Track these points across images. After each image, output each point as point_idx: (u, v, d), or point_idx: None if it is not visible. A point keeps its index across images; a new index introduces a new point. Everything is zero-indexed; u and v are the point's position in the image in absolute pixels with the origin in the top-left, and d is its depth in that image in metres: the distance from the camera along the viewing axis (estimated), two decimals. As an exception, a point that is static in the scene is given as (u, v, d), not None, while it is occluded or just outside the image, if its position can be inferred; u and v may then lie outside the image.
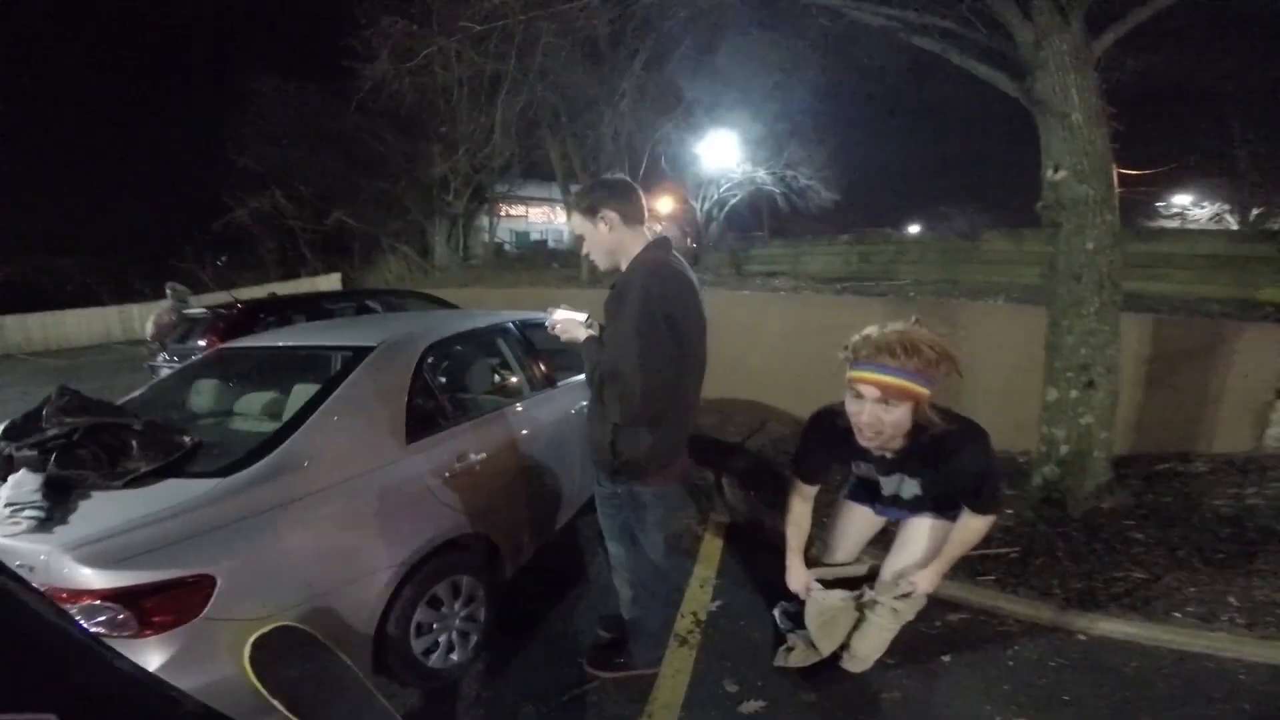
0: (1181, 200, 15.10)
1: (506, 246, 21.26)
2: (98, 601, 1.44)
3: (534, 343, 3.08)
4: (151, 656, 1.46)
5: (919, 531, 1.91)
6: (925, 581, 1.87)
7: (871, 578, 2.02)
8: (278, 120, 17.02)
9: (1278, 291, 5.27)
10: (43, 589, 1.39)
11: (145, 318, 6.56)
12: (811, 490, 2.00)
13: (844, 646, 2.05)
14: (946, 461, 1.65)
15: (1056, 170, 2.92)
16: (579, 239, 1.87)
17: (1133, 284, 4.18)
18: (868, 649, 2.03)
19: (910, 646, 2.19)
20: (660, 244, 1.81)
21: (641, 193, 1.84)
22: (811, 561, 2.13)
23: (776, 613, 2.32)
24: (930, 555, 1.88)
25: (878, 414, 1.57)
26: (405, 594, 1.95)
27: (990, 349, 4.20)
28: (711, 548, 3.21)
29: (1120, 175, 2.99)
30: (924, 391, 1.55)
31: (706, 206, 15.03)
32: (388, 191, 17.15)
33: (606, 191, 1.78)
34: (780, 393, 5.27)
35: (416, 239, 18.35)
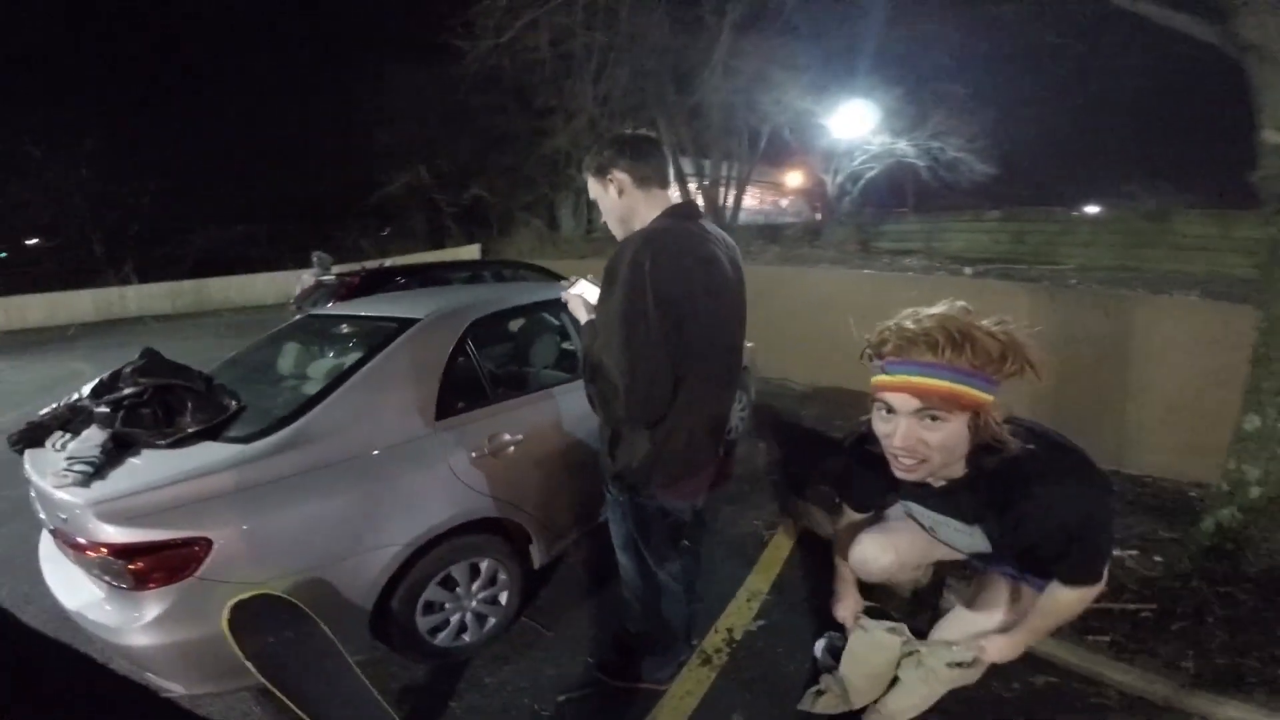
0: None
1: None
2: (104, 554, 1.51)
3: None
4: (147, 610, 1.54)
5: (997, 593, 1.47)
6: (996, 651, 1.42)
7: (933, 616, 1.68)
8: (415, 100, 18.23)
9: None
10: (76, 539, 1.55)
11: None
12: (863, 516, 1.68)
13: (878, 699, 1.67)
14: (1019, 503, 1.13)
15: None
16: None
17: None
18: (900, 708, 1.60)
19: (971, 708, 1.76)
20: (678, 210, 1.52)
21: (664, 151, 1.57)
22: (869, 592, 1.79)
23: (819, 646, 1.98)
24: (1009, 621, 1.44)
25: (917, 434, 1.11)
26: (414, 572, 1.94)
27: (1172, 353, 3.40)
28: (774, 556, 2.90)
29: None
30: (984, 398, 1.07)
31: (838, 180, 13.94)
32: (515, 166, 17.85)
33: (616, 149, 1.51)
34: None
35: (545, 211, 19.02)
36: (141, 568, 1.52)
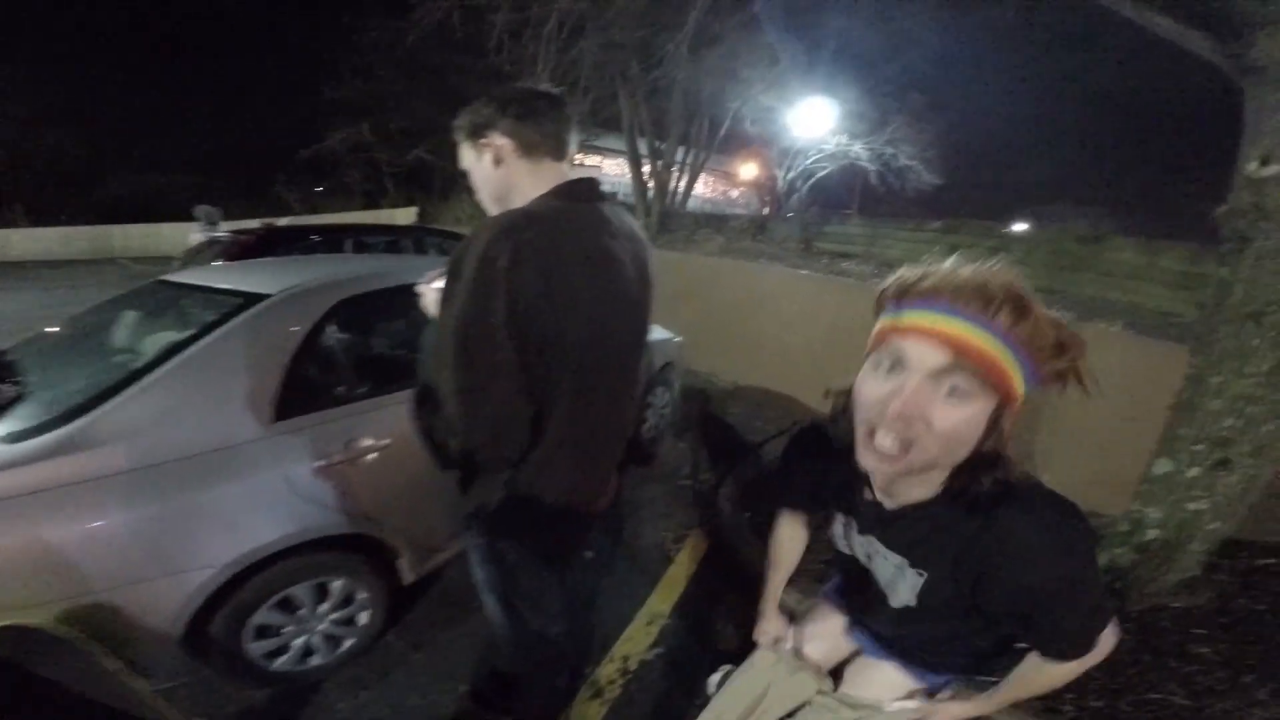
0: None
1: (578, 197, 20.62)
2: None
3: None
4: None
5: (873, 677, 1.20)
6: (947, 716, 1.10)
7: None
8: (376, 55, 17.20)
9: None
10: None
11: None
12: (799, 519, 1.36)
13: None
14: (993, 551, 0.81)
15: (1266, 162, 2.04)
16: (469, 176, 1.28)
17: None
18: None
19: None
20: (571, 189, 1.18)
21: (566, 114, 1.21)
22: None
23: (713, 681, 1.69)
24: None
25: (926, 403, 0.73)
26: (240, 595, 1.66)
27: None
28: (679, 574, 2.70)
29: None
30: (1020, 389, 0.74)
31: (790, 176, 13.94)
32: (468, 131, 17.11)
33: (497, 107, 1.16)
34: (820, 391, 4.51)
35: (491, 181, 18.35)
36: None
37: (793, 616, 1.43)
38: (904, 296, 0.77)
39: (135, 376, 1.60)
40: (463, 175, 1.28)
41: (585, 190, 1.21)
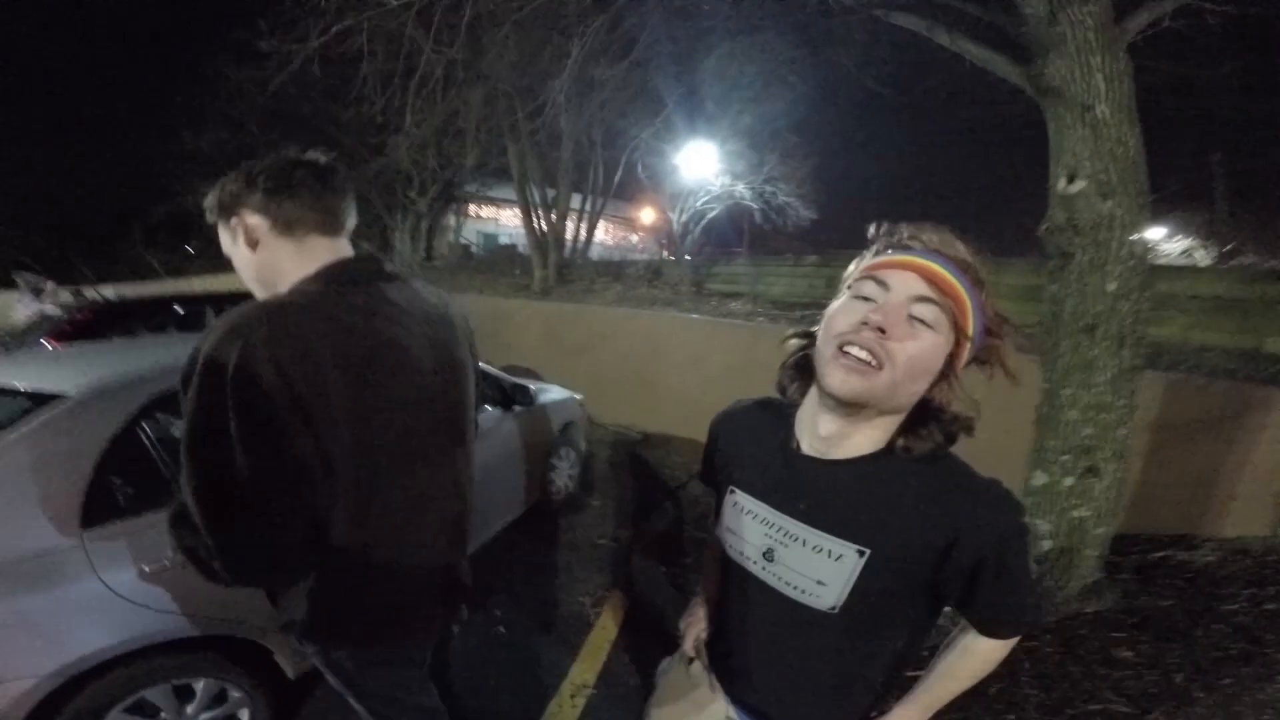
0: (1155, 233, 14.74)
1: (473, 248, 20.32)
2: None
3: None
4: None
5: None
6: None
7: None
8: (242, 103, 16.25)
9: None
10: None
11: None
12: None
13: None
14: (967, 503, 0.78)
15: (1072, 179, 2.18)
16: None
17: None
18: None
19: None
20: (338, 270, 1.02)
21: (336, 182, 1.06)
22: None
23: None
24: None
25: (902, 317, 0.75)
26: (74, 703, 1.53)
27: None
28: (601, 639, 2.56)
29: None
30: (970, 336, 0.78)
31: (684, 219, 14.43)
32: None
33: (244, 182, 1.01)
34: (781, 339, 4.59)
35: (379, 235, 17.62)
36: None
37: None
38: (891, 245, 0.82)
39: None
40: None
41: (360, 270, 1.05)
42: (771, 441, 0.91)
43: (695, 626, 1.12)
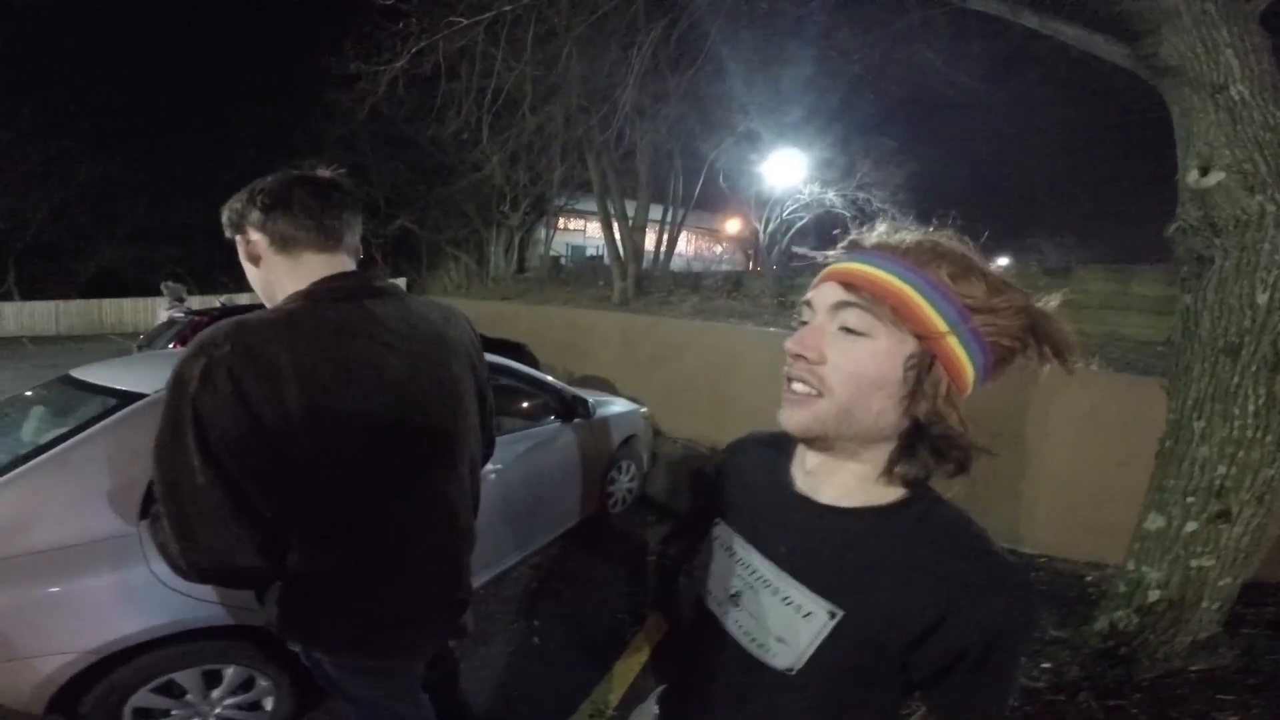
0: None
1: (562, 260, 20.93)
2: None
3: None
4: None
5: None
6: None
7: None
8: (356, 126, 17.69)
9: None
10: None
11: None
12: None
13: None
14: (963, 581, 0.63)
15: (1206, 171, 1.85)
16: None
17: None
18: None
19: None
20: (325, 286, 1.01)
21: (336, 196, 1.07)
22: None
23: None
24: None
25: (821, 334, 0.65)
26: (107, 681, 1.67)
27: (1070, 426, 3.20)
28: (634, 661, 2.46)
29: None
30: (940, 325, 0.61)
31: (770, 229, 14.10)
32: (448, 199, 17.37)
33: (247, 200, 1.04)
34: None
35: (475, 248, 18.54)
36: None
37: None
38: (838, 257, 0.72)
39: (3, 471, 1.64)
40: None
41: (344, 287, 1.03)
42: (769, 476, 0.79)
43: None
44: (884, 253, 0.65)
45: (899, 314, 0.61)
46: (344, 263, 1.07)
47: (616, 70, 6.52)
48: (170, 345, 4.85)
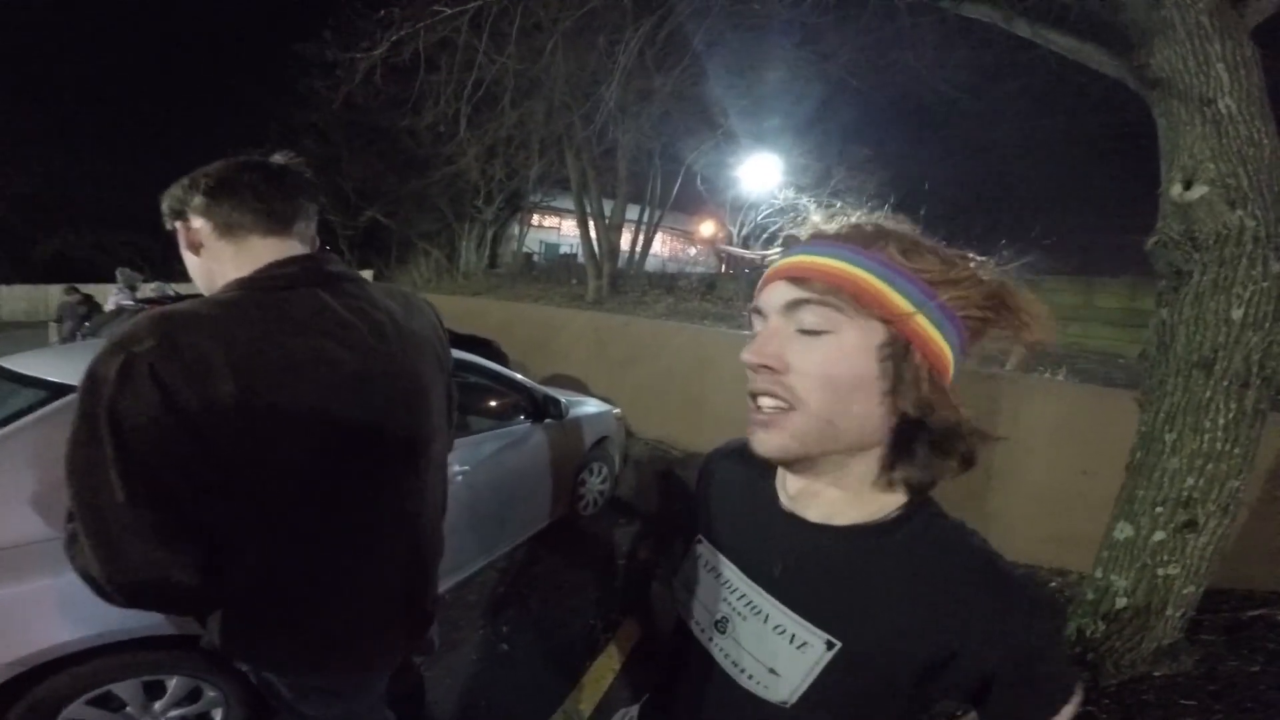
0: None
1: (535, 257, 20.71)
2: None
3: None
4: None
5: None
6: None
7: None
8: (330, 116, 17.26)
9: None
10: None
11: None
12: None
13: None
14: (948, 618, 0.56)
15: (1189, 185, 1.86)
16: None
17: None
18: None
19: None
20: (260, 278, 0.91)
21: (284, 183, 0.98)
22: None
23: None
24: None
25: (777, 339, 0.59)
26: (33, 693, 1.54)
27: (1037, 437, 3.25)
28: (605, 668, 2.40)
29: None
30: (905, 306, 0.55)
31: (744, 233, 14.19)
32: (421, 192, 17.06)
33: (188, 186, 0.95)
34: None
35: (447, 242, 18.24)
36: None
37: None
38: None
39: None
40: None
41: (291, 273, 0.93)
42: (753, 490, 0.72)
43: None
44: (825, 240, 0.60)
45: (859, 301, 0.55)
46: (293, 249, 0.98)
47: (602, 66, 6.45)
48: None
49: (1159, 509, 2.00)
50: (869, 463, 0.60)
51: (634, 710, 0.98)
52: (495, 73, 5.72)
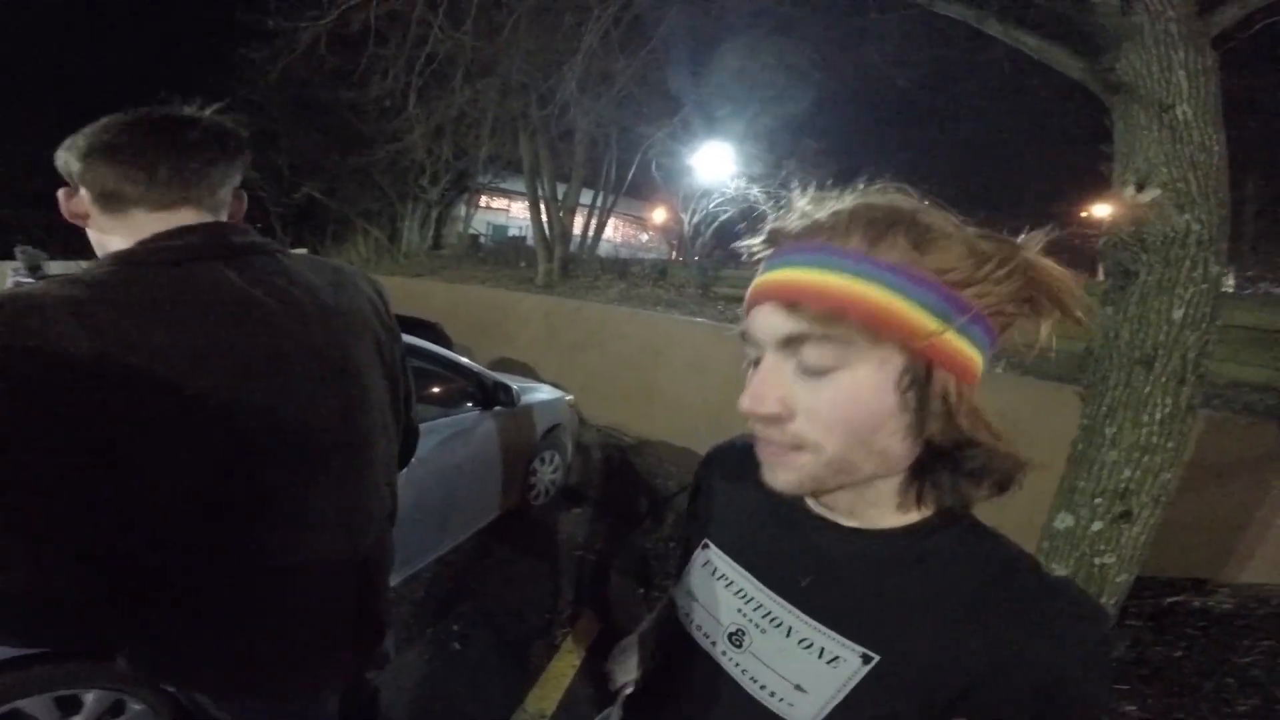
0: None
1: (482, 239, 20.13)
2: None
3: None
4: None
5: None
6: None
7: None
8: (267, 89, 16.25)
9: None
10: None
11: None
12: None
13: None
14: (986, 628, 0.50)
15: (1142, 188, 1.92)
16: None
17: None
18: None
19: None
20: (140, 251, 0.76)
21: (180, 139, 0.82)
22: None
23: None
24: None
25: (779, 379, 0.51)
26: None
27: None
28: (565, 664, 2.35)
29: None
30: (929, 324, 0.46)
31: (695, 220, 14.23)
32: (363, 170, 16.32)
33: (66, 149, 0.81)
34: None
35: (389, 222, 17.56)
36: None
37: None
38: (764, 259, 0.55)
39: None
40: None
41: (182, 246, 0.78)
42: (771, 492, 0.62)
43: (625, 676, 0.87)
44: (819, 242, 0.49)
45: (870, 327, 0.46)
46: (199, 217, 0.83)
47: (565, 45, 6.26)
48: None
49: (1098, 500, 2.09)
50: (894, 483, 0.55)
51: (615, 711, 0.93)
52: (450, 49, 5.46)
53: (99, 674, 1.55)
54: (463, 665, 2.30)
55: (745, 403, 0.52)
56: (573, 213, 10.69)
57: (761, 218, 0.58)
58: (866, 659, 0.54)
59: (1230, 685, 2.17)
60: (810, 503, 0.61)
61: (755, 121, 11.63)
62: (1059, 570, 2.22)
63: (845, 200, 0.51)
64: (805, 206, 0.52)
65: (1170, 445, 1.98)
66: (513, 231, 21.73)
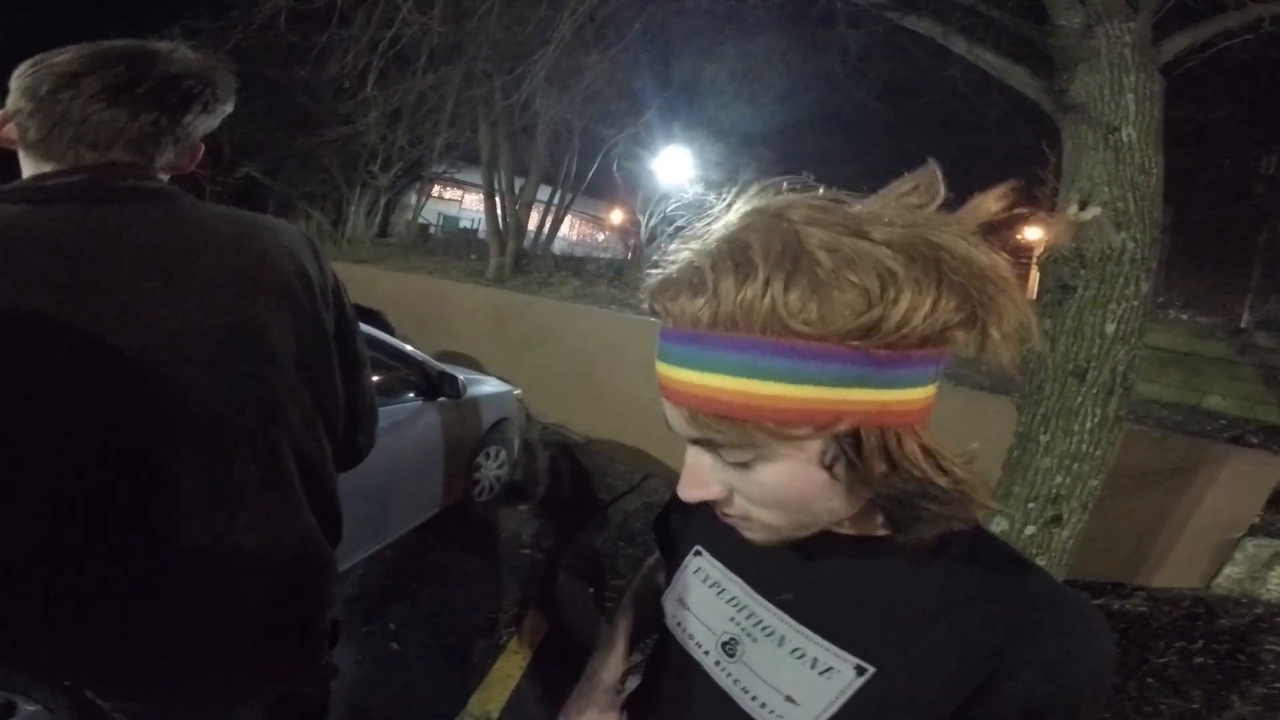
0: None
1: (432, 229, 19.69)
2: None
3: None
4: None
5: None
6: None
7: None
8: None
9: (1226, 401, 4.91)
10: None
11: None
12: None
13: None
14: (984, 636, 0.48)
15: (1084, 206, 2.01)
16: None
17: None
18: None
19: None
20: (36, 187, 0.71)
21: (116, 69, 0.73)
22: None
23: None
24: None
25: (709, 468, 0.49)
26: None
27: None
28: (511, 665, 2.28)
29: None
30: (840, 399, 0.40)
31: (652, 223, 14.30)
32: (310, 152, 15.65)
33: (17, 75, 0.73)
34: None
35: (335, 207, 16.90)
36: None
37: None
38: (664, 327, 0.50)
39: None
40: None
41: (46, 187, 0.71)
42: None
43: (614, 673, 0.79)
44: (693, 332, 0.43)
45: (771, 427, 0.42)
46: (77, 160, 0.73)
47: (535, 35, 6.15)
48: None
49: (1031, 504, 2.18)
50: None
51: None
52: (415, 32, 5.28)
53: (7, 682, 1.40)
54: (400, 666, 2.21)
55: (681, 491, 0.51)
56: (529, 207, 10.54)
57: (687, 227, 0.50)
58: (861, 670, 0.51)
59: (1151, 685, 2.30)
60: None
61: (713, 128, 11.79)
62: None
63: (722, 225, 0.45)
64: (673, 274, 0.46)
65: (1098, 453, 2.09)
66: (464, 223, 21.30)
